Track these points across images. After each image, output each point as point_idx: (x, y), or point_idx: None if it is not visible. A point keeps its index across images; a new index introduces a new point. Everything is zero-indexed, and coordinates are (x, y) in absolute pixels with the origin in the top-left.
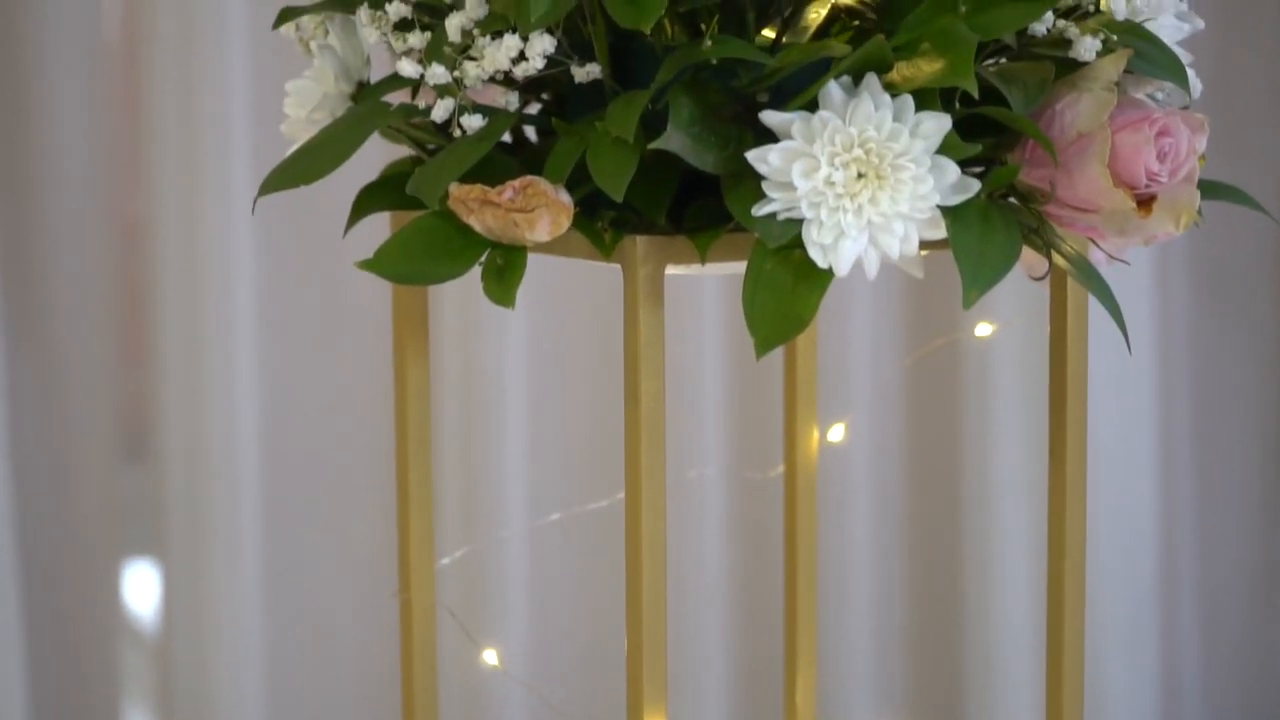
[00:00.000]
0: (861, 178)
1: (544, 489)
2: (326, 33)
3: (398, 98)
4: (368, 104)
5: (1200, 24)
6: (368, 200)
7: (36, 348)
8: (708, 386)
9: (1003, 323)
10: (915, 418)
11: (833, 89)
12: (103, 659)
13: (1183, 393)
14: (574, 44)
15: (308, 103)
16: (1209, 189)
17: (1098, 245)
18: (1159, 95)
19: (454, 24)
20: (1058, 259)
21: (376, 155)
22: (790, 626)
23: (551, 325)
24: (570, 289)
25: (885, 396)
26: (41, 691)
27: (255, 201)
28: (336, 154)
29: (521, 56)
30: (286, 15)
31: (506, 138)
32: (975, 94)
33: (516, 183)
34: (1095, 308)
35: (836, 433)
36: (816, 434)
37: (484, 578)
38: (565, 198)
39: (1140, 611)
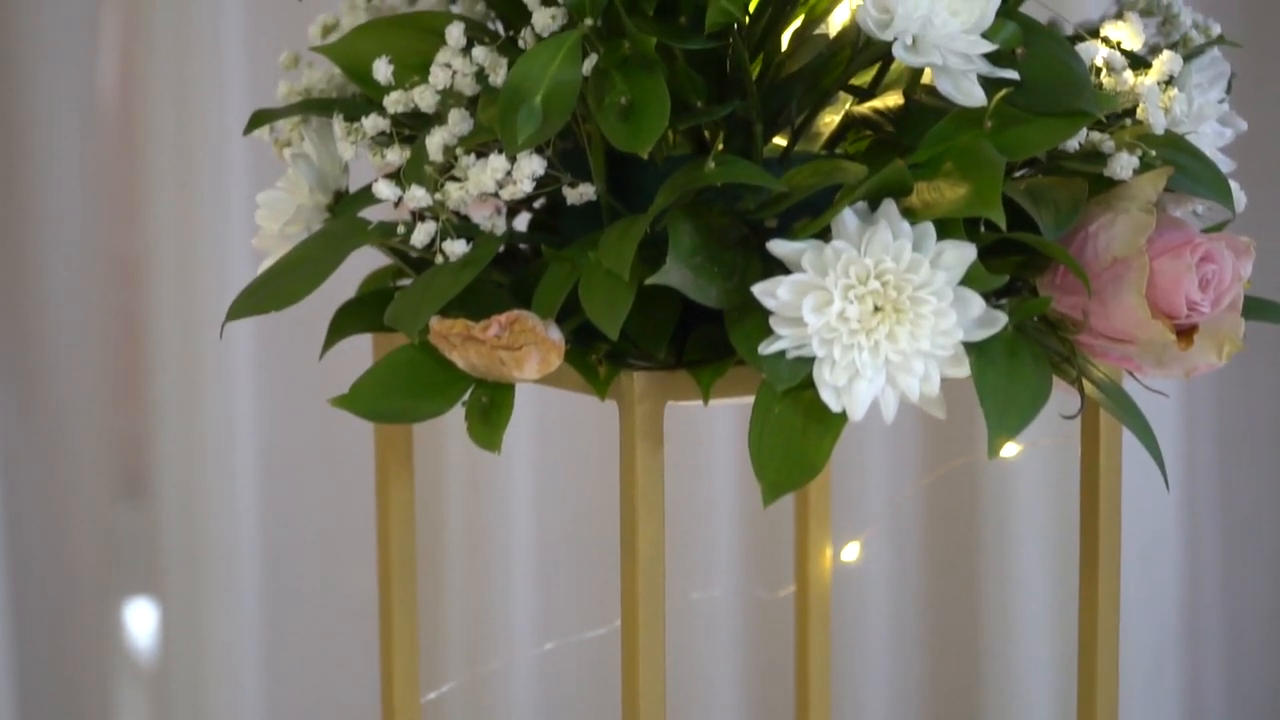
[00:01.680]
0: (878, 312)
1: (547, 616)
2: (302, 138)
3: (380, 207)
4: (344, 220)
5: (1243, 125)
6: (346, 321)
7: (32, 388)
8: (715, 500)
9: (1029, 443)
10: (934, 538)
11: (847, 216)
12: (99, 700)
13: (1206, 431)
14: (569, 151)
15: (280, 215)
16: (1253, 308)
17: (1134, 376)
18: (1199, 209)
19: (435, 142)
20: (1090, 390)
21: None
22: None
23: (557, 444)
24: (575, 407)
25: (902, 515)
26: None
27: (223, 327)
28: (311, 277)
29: (508, 177)
30: (259, 120)
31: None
32: (1003, 226)
33: (503, 318)
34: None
35: (851, 552)
36: (830, 552)
37: (478, 711)
38: (555, 334)
39: (1163, 653)
